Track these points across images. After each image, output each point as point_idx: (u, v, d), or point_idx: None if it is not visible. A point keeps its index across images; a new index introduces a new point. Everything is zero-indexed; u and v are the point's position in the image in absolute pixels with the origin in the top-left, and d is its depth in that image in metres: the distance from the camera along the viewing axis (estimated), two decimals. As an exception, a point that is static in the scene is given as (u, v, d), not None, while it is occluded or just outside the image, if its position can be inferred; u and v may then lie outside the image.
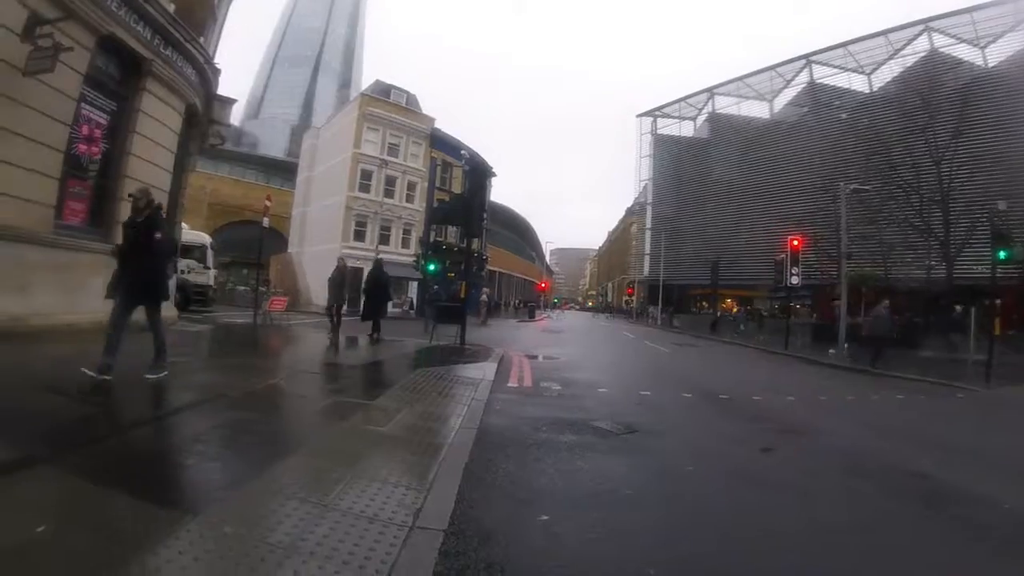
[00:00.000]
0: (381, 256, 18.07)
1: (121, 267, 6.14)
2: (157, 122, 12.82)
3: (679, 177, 57.40)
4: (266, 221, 18.43)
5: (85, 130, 10.99)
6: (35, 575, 2.40)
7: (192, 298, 21.89)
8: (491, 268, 54.11)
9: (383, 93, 45.89)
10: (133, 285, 6.15)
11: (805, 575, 3.36)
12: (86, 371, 5.74)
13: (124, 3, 11.05)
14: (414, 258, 34.87)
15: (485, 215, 22.02)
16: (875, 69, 44.16)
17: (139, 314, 6.42)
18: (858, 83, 45.31)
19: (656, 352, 20.70)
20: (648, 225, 62.23)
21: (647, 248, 62.18)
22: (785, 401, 10.29)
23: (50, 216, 9.88)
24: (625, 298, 73.09)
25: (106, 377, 5.79)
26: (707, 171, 54.27)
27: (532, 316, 49.06)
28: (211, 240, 26.12)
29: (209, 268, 24.42)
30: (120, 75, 11.90)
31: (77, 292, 10.02)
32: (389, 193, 42.73)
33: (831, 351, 21.65)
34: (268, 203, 18.55)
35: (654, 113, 62.45)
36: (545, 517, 3.86)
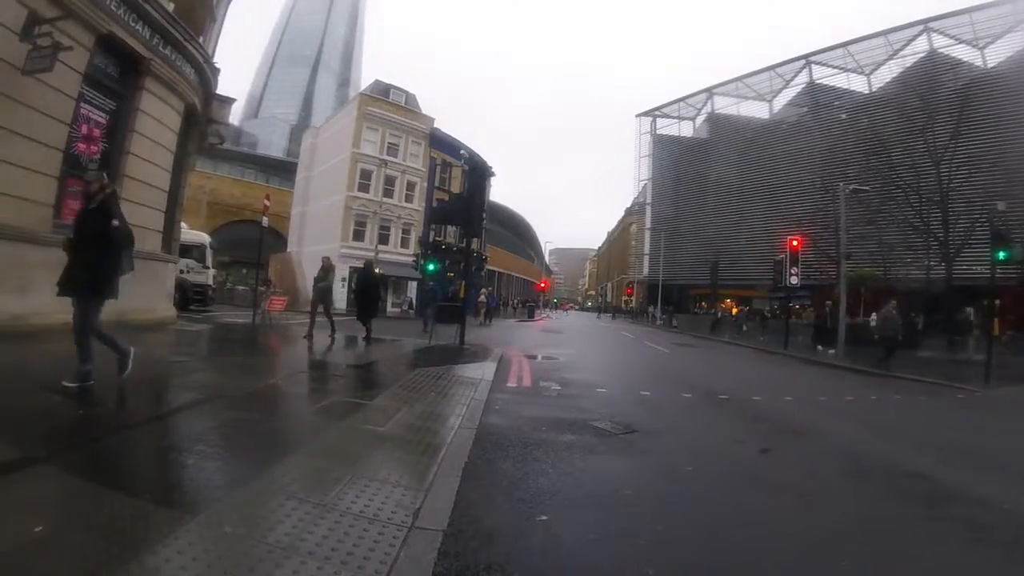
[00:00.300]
0: (371, 259, 17.98)
1: (73, 261, 5.57)
2: (156, 121, 12.82)
3: (678, 177, 57.55)
4: (265, 221, 18.43)
5: (84, 129, 10.98)
6: (35, 574, 2.40)
7: (191, 298, 21.91)
8: (490, 268, 54.08)
9: (382, 93, 45.89)
10: (84, 279, 5.54)
11: (805, 576, 3.37)
12: (67, 384, 5.52)
13: (123, 2, 11.05)
14: (413, 258, 34.83)
15: (484, 215, 22.00)
16: (875, 69, 44.25)
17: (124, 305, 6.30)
18: (857, 83, 45.40)
19: (655, 352, 20.69)
20: (648, 225, 62.29)
21: (646, 248, 62.28)
22: (784, 401, 10.28)
23: (49, 215, 9.87)
24: (624, 298, 73.07)
25: (85, 384, 5.51)
26: (706, 171, 54.37)
27: (531, 316, 49.03)
28: (210, 239, 26.15)
29: (208, 267, 24.43)
30: (119, 74, 11.89)
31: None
32: (388, 193, 42.76)
33: (819, 348, 21.79)
34: (267, 203, 18.55)
35: (653, 113, 62.57)
36: (544, 517, 3.86)
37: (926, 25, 40.69)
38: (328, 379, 8.97)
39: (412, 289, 41.91)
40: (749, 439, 6.90)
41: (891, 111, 34.72)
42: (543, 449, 5.64)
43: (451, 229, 37.29)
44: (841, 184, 23.63)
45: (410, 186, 44.40)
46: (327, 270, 14.68)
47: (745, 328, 34.10)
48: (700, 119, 60.77)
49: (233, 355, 11.04)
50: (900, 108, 32.35)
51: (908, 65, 40.35)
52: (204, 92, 15.50)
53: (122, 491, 3.34)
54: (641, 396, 9.67)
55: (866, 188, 25.02)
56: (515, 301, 57.65)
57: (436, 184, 39.24)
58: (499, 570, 3.02)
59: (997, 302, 18.66)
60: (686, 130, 62.28)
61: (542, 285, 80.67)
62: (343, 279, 18.07)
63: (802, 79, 49.54)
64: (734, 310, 42.32)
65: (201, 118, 15.90)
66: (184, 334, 13.02)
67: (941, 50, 39.39)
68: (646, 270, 61.82)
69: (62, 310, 5.65)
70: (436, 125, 46.76)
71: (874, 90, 43.56)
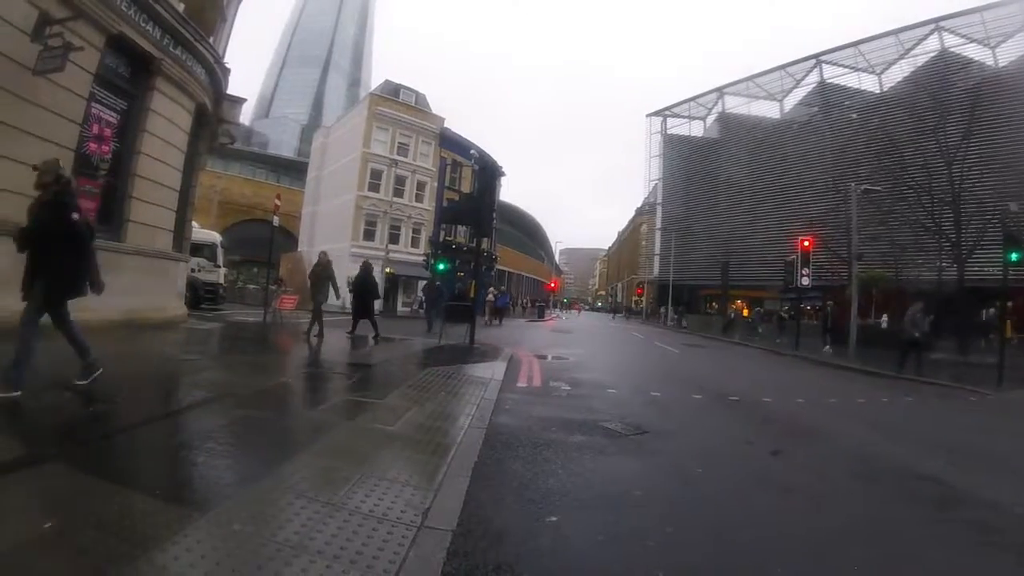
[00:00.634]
0: (368, 259, 17.92)
1: (29, 258, 5.16)
2: (167, 121, 12.89)
3: (689, 177, 57.22)
4: (276, 220, 18.49)
5: (95, 129, 11.05)
6: (44, 571, 2.40)
7: (202, 296, 22.00)
8: (500, 267, 54.11)
9: (392, 93, 46.02)
10: (44, 278, 5.19)
11: (817, 578, 3.34)
12: (79, 382, 5.56)
13: (134, 3, 11.12)
14: (424, 257, 34.87)
15: (495, 215, 21.99)
16: (885, 69, 43.88)
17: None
18: (868, 83, 45.06)
19: (665, 353, 20.63)
20: (658, 225, 62.03)
21: (657, 248, 61.95)
22: (795, 403, 10.21)
23: (61, 214, 9.92)
24: (635, 298, 72.88)
25: (13, 394, 4.90)
26: (717, 171, 53.99)
27: (541, 316, 49.02)
28: (221, 238, 26.25)
29: (219, 266, 24.53)
30: (130, 74, 11.97)
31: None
32: (399, 192, 42.90)
33: (826, 348, 21.72)
34: (278, 202, 18.61)
35: (664, 113, 62.28)
36: (554, 518, 3.84)
37: (937, 24, 40.33)
38: (338, 378, 8.97)
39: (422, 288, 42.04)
40: (759, 441, 6.85)
41: (902, 111, 34.42)
42: (553, 449, 5.62)
43: (462, 229, 37.36)
44: (853, 184, 23.49)
45: (420, 186, 44.49)
46: (324, 265, 14.66)
47: (761, 330, 33.78)
48: (710, 119, 60.42)
49: (243, 353, 11.09)
50: (911, 108, 32.07)
51: (919, 64, 40.04)
52: (215, 92, 15.57)
53: (132, 488, 3.36)
54: (651, 397, 9.64)
55: (877, 188, 24.83)
56: (525, 301, 57.56)
57: (446, 184, 39.34)
58: (508, 570, 3.01)
59: (1009, 304, 18.51)
60: (696, 130, 61.96)
61: (552, 285, 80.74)
62: (348, 279, 17.93)
63: (813, 78, 49.19)
64: (745, 311, 42.04)
65: (212, 118, 15.99)
66: (195, 332, 13.08)
67: (952, 49, 39.05)
68: (656, 270, 61.56)
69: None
70: (446, 125, 46.85)
71: (885, 89, 43.23)
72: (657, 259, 61.29)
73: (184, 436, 4.74)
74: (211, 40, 14.63)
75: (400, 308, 39.60)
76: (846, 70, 46.36)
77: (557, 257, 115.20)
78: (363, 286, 15.06)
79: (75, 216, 5.25)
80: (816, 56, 48.21)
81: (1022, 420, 10.59)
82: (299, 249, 50.75)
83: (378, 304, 16.69)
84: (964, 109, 28.51)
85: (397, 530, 3.19)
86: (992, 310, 25.23)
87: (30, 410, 4.80)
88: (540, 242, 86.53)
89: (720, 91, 57.80)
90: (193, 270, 20.28)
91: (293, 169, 69.34)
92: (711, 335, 34.92)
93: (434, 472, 4.31)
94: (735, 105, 56.99)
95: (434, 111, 47.85)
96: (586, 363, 14.49)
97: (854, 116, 42.13)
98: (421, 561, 2.87)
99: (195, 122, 14.53)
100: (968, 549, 3.88)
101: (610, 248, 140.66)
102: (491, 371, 10.39)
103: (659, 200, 61.98)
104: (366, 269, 15.59)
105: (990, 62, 37.70)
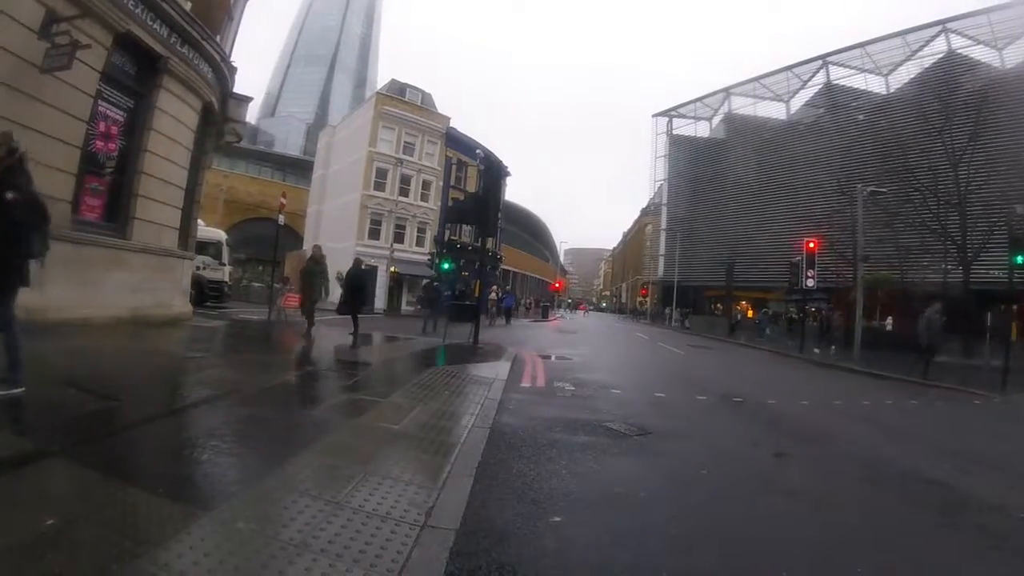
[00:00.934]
0: (360, 255, 17.90)
1: None
2: (174, 119, 12.90)
3: (695, 178, 57.05)
4: (281, 218, 18.54)
5: (102, 127, 11.06)
6: (46, 567, 2.40)
7: (207, 294, 22.03)
8: (505, 267, 54.12)
9: (398, 92, 46.03)
10: None
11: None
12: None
13: (141, 1, 11.12)
14: (428, 256, 34.87)
15: (500, 214, 21.95)
16: (892, 70, 43.67)
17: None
18: (875, 84, 44.86)
19: (670, 354, 20.61)
20: (663, 226, 61.88)
21: (662, 249, 61.86)
22: (799, 405, 10.21)
23: (67, 211, 9.94)
24: (640, 299, 72.76)
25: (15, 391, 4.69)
26: (723, 172, 53.84)
27: (545, 316, 49.04)
28: (226, 236, 26.30)
29: (224, 264, 24.55)
30: (137, 72, 11.97)
31: (92, 287, 10.17)
32: (404, 192, 42.88)
33: (832, 349, 21.64)
34: (284, 200, 18.69)
35: (670, 113, 62.16)
36: (558, 519, 3.84)
37: (944, 25, 40.10)
38: (343, 376, 8.98)
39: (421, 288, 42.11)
40: (764, 442, 6.84)
41: (909, 112, 34.35)
42: (557, 450, 5.62)
43: (466, 228, 37.34)
44: (859, 186, 23.44)
45: (426, 185, 44.50)
46: (317, 259, 14.56)
47: (768, 332, 33.65)
48: (717, 119, 60.30)
49: (248, 352, 11.11)
50: (918, 109, 31.99)
51: (926, 66, 39.88)
52: (221, 90, 15.58)
53: (136, 485, 3.36)
54: (655, 398, 9.63)
55: (883, 190, 24.78)
56: (529, 301, 57.53)
57: (451, 183, 39.38)
58: (511, 571, 3.00)
59: (1015, 307, 18.46)
60: (702, 130, 61.86)
61: (557, 285, 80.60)
62: (338, 275, 17.88)
63: (819, 79, 49.00)
64: (750, 312, 41.88)
65: (218, 116, 15.99)
66: (200, 330, 13.09)
67: (959, 51, 38.89)
68: (661, 271, 61.47)
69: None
70: (452, 124, 46.85)
71: (892, 91, 43.06)
72: (662, 260, 61.24)
73: (188, 434, 4.75)
74: (218, 39, 14.65)
75: (404, 307, 39.61)
76: (853, 71, 46.11)
77: (562, 257, 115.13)
78: (353, 282, 15.02)
79: (9, 196, 4.57)
80: (823, 57, 48.01)
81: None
82: (304, 248, 50.80)
83: (380, 303, 16.63)
84: (971, 111, 28.41)
85: (400, 529, 3.19)
86: (997, 313, 25.13)
87: (34, 406, 4.77)
88: (545, 242, 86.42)
89: (726, 92, 57.63)
90: (198, 268, 20.32)
91: (299, 168, 69.31)
92: (716, 336, 34.85)
93: (437, 471, 4.32)
94: (741, 106, 56.80)
95: (440, 110, 47.89)
96: (590, 363, 14.48)
97: (860, 117, 42.03)
98: (424, 560, 2.87)
99: (202, 120, 14.53)
100: (974, 553, 3.87)
101: (615, 249, 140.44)
102: (495, 371, 10.39)
103: (664, 201, 61.87)
104: (357, 265, 15.56)
105: (997, 64, 37.52)
